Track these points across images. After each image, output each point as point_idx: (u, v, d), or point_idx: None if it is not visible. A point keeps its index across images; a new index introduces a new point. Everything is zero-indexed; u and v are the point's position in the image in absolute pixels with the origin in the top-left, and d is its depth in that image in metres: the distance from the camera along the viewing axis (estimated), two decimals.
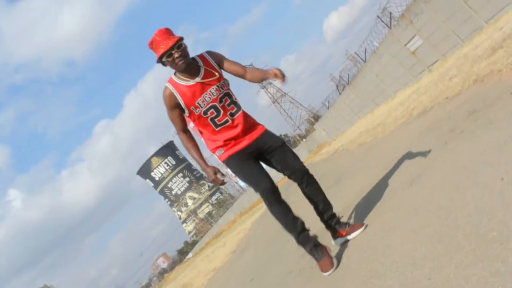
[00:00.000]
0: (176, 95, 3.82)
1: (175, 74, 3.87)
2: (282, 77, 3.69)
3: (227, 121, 3.90)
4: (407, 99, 12.36)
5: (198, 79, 3.83)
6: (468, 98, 5.43)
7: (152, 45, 3.75)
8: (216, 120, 3.87)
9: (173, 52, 3.70)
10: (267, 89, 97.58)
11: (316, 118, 67.98)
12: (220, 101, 3.87)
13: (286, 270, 5.02)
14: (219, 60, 3.96)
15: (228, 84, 3.96)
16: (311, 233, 3.86)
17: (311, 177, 4.00)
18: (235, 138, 3.93)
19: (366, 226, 3.93)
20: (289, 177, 4.02)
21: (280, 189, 3.94)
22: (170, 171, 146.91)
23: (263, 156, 4.01)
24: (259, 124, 4.07)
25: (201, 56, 3.94)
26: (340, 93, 31.46)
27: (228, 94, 3.91)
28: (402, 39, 17.77)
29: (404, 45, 17.89)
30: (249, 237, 15.92)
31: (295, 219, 3.87)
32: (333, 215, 4.03)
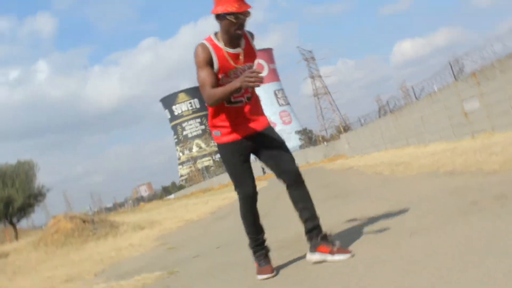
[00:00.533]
0: (212, 54, 3.67)
1: (215, 34, 3.74)
2: (258, 78, 3.45)
3: (241, 101, 3.81)
4: (439, 153, 12.10)
5: (239, 50, 3.74)
6: (502, 181, 5.22)
7: None
8: (233, 96, 3.74)
9: (241, 16, 3.55)
10: (314, 80, 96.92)
11: (346, 129, 67.54)
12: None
13: (251, 265, 4.89)
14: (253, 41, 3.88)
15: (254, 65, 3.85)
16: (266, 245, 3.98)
17: (302, 181, 3.85)
18: (237, 123, 3.83)
19: (353, 255, 3.63)
20: (279, 177, 3.90)
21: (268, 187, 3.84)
22: (190, 112, 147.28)
23: (257, 150, 3.92)
24: (263, 117, 3.94)
25: (245, 33, 3.78)
26: (379, 117, 31.09)
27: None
28: (461, 95, 17.38)
29: (461, 101, 17.51)
30: (233, 207, 15.83)
31: (260, 230, 4.00)
32: (318, 226, 3.82)
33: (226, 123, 3.84)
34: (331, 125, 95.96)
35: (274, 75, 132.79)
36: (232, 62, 3.70)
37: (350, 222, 5.21)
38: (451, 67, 19.53)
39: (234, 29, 3.59)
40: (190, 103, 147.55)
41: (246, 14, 3.56)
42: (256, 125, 3.86)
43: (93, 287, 5.58)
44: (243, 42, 3.77)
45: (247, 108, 3.83)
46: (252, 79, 3.37)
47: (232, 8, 3.49)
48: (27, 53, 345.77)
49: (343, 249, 3.70)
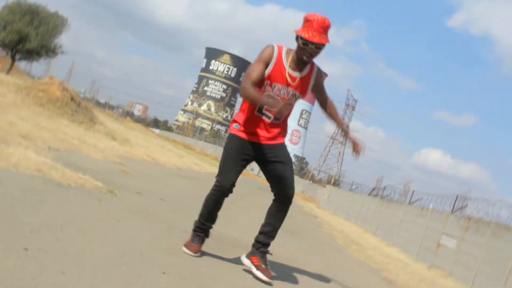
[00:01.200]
0: (273, 58, 3.85)
1: (288, 49, 3.92)
2: (358, 151, 4.06)
3: (269, 117, 3.95)
4: (393, 259, 12.22)
5: (297, 75, 3.89)
6: None
7: (308, 23, 3.76)
8: (264, 107, 3.90)
9: (313, 47, 3.75)
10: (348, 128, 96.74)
11: (336, 183, 67.62)
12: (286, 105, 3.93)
13: (184, 227, 4.99)
14: (318, 82, 4.06)
15: (298, 98, 4.00)
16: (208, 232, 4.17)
17: (289, 207, 4.07)
18: (255, 131, 3.98)
19: (269, 283, 3.86)
20: (273, 191, 4.09)
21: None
22: (223, 75, 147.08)
23: (263, 161, 4.06)
24: (281, 138, 4.09)
25: (313, 64, 3.99)
26: (369, 194, 31.20)
27: (291, 106, 4.01)
28: (446, 228, 17.46)
29: (442, 233, 17.60)
30: (200, 177, 15.93)
31: (212, 219, 4.21)
32: (268, 244, 4.06)
33: (248, 126, 3.98)
34: (327, 171, 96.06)
35: (312, 97, 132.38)
36: (288, 79, 3.87)
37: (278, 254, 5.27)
38: (456, 200, 19.63)
39: (302, 54, 3.79)
40: (228, 68, 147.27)
41: (316, 45, 3.74)
42: (269, 141, 4.00)
43: (40, 156, 5.66)
44: (306, 71, 3.92)
45: (271, 126, 3.98)
46: (275, 109, 3.72)
47: (307, 35, 3.70)
48: None
49: (267, 272, 3.90)
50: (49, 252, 2.67)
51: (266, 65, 3.83)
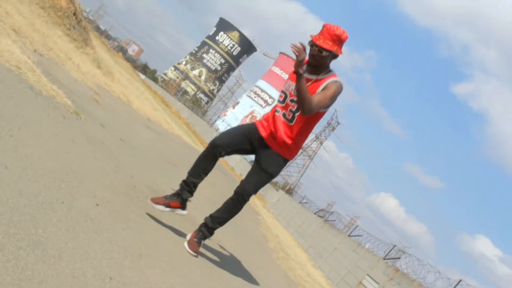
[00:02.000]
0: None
1: None
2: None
3: (278, 112, 4.24)
4: (313, 282, 12.45)
5: (312, 77, 4.09)
6: None
7: (322, 29, 4.01)
8: (278, 103, 4.27)
9: (312, 47, 3.99)
10: (314, 140, 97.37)
11: (289, 191, 68.04)
12: (291, 101, 4.15)
13: (130, 174, 5.08)
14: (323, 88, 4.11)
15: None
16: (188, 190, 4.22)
17: (242, 202, 4.24)
18: (267, 125, 4.28)
19: (191, 254, 4.05)
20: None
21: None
22: (225, 50, 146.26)
23: (256, 155, 4.31)
24: (285, 146, 4.24)
25: (331, 76, 4.11)
26: (315, 213, 31.50)
27: (298, 107, 4.10)
28: (373, 271, 17.86)
29: (367, 274, 17.98)
30: (166, 134, 15.94)
31: (194, 175, 4.25)
32: (210, 227, 4.25)
33: (265, 122, 4.33)
34: (285, 176, 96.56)
35: None
36: (292, 78, 4.13)
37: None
38: (391, 249, 20.04)
39: (309, 56, 4.03)
40: (233, 44, 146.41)
41: (317, 47, 3.96)
42: (271, 142, 4.23)
43: (24, 55, 5.67)
44: (321, 76, 4.10)
45: (279, 122, 4.20)
46: (295, 49, 3.69)
47: (313, 35, 3.99)
48: None
49: (194, 245, 4.13)
50: (2, 147, 2.74)
51: None
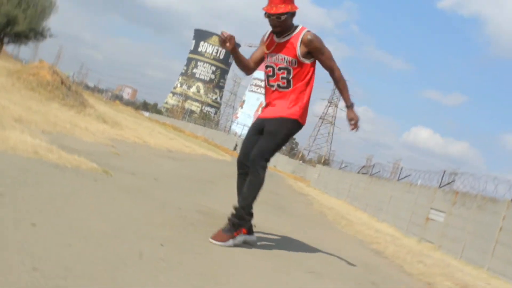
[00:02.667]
0: (266, 35, 4.42)
1: None
2: (354, 126, 4.29)
3: (273, 86, 4.35)
4: (382, 234, 12.48)
5: (279, 40, 4.27)
6: (410, 285, 5.56)
7: None
8: (269, 79, 4.38)
9: (269, 18, 4.14)
10: (329, 106, 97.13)
11: (326, 162, 67.99)
12: (279, 69, 4.26)
13: (178, 205, 5.19)
14: (313, 49, 4.23)
15: (297, 64, 4.23)
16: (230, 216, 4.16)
17: (255, 169, 4.15)
18: (265, 105, 4.45)
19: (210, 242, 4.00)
20: None
21: None
22: (212, 57, 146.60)
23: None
24: (284, 109, 4.25)
25: (301, 30, 4.24)
26: (358, 172, 31.48)
27: (288, 71, 4.23)
28: (434, 203, 17.79)
29: (430, 207, 17.92)
30: (190, 158, 16.11)
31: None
32: (237, 213, 4.15)
33: (265, 102, 4.49)
34: (317, 150, 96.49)
35: None
36: (268, 47, 4.36)
37: (258, 228, 5.44)
38: (443, 175, 19.93)
39: (271, 25, 4.23)
40: (217, 49, 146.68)
41: (271, 15, 4.11)
42: (270, 113, 4.30)
43: (36, 140, 5.80)
44: (288, 37, 4.24)
45: (276, 95, 4.32)
46: (219, 39, 4.12)
47: (265, 8, 4.12)
48: None
49: (218, 234, 4.02)
50: (55, 227, 2.85)
51: (263, 43, 4.42)
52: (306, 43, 4.18)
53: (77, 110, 13.42)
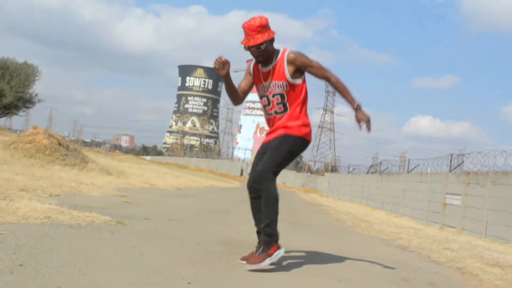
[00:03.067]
0: (252, 67, 4.46)
1: None
2: (365, 127, 4.26)
3: (271, 114, 4.38)
4: (403, 228, 12.42)
5: (266, 69, 4.32)
6: (441, 273, 5.53)
7: (243, 29, 4.18)
8: (266, 108, 4.42)
9: (250, 50, 4.20)
10: (325, 113, 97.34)
11: (333, 169, 67.91)
12: (273, 96, 4.30)
13: (197, 240, 5.19)
14: (301, 65, 4.27)
15: (288, 87, 4.26)
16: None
17: (262, 189, 4.14)
18: (269, 131, 4.46)
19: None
20: None
21: None
22: (201, 89, 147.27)
23: None
24: (284, 128, 4.27)
25: (283, 52, 4.29)
26: (367, 172, 31.42)
27: (282, 95, 4.28)
28: (448, 187, 17.74)
29: (445, 192, 17.86)
30: (200, 192, 16.12)
31: (260, 220, 4.23)
32: (263, 233, 4.17)
33: (267, 128, 4.52)
34: (322, 160, 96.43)
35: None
36: (257, 78, 4.41)
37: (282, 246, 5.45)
38: (451, 158, 19.91)
39: (253, 57, 4.31)
40: (204, 81, 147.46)
41: (251, 48, 4.17)
42: (272, 135, 4.33)
43: (45, 204, 5.81)
44: (274, 63, 4.29)
45: (276, 120, 4.35)
46: (216, 64, 4.12)
47: (243, 42, 4.19)
48: None
49: (248, 256, 4.14)
50: (81, 286, 2.84)
51: (250, 75, 4.48)
52: (291, 61, 4.22)
53: (80, 167, 13.46)
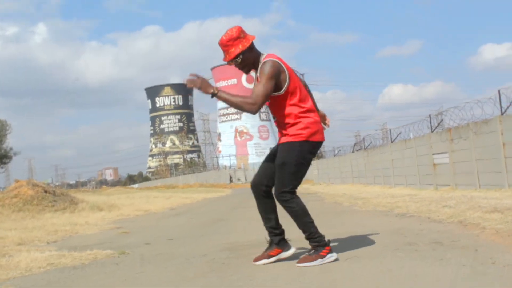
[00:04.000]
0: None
1: None
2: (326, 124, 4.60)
3: (274, 118, 4.44)
4: (399, 197, 12.55)
5: (255, 75, 4.31)
6: (443, 230, 5.62)
7: (220, 47, 4.18)
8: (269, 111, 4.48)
9: (232, 64, 4.21)
10: None
11: (319, 156, 68.03)
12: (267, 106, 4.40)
13: (201, 252, 5.21)
14: (260, 74, 4.15)
15: (269, 99, 4.23)
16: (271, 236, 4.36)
17: (281, 203, 4.26)
18: (278, 133, 4.45)
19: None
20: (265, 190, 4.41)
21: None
22: (172, 107, 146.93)
23: None
24: (284, 137, 4.31)
25: (262, 60, 4.20)
26: (353, 151, 31.59)
27: (270, 108, 4.37)
28: (434, 148, 17.91)
29: (432, 153, 18.04)
30: (193, 207, 16.12)
31: (267, 218, 4.38)
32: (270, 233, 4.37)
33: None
34: None
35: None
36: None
37: (294, 241, 5.49)
38: (430, 119, 20.10)
39: (238, 68, 4.29)
40: (174, 98, 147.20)
41: (230, 62, 4.20)
42: (282, 140, 4.33)
43: (45, 252, 5.79)
44: (259, 66, 4.22)
45: (276, 124, 4.42)
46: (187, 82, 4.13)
47: (223, 58, 4.24)
48: (30, 13, 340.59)
49: (260, 255, 4.32)
50: None
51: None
52: (260, 71, 4.13)
53: (70, 209, 13.39)
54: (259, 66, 4.15)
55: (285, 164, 4.17)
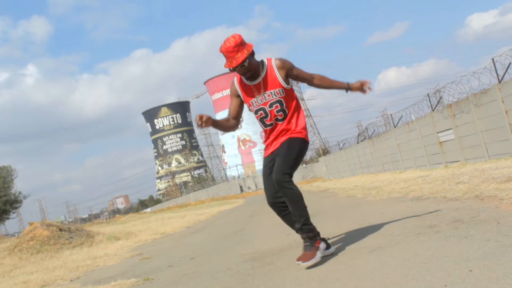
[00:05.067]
0: (237, 87, 4.49)
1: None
2: (367, 91, 4.60)
3: (271, 124, 4.44)
4: (411, 180, 12.51)
5: (256, 82, 4.37)
6: (461, 207, 5.60)
7: (222, 53, 4.23)
8: (264, 120, 4.46)
9: (235, 70, 4.27)
10: (304, 100, 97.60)
11: (325, 152, 68.07)
12: (270, 106, 4.37)
13: (225, 266, 5.20)
14: (288, 68, 4.38)
15: (284, 92, 4.36)
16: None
17: (283, 188, 4.22)
18: (270, 142, 4.52)
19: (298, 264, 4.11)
20: None
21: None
22: (172, 127, 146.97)
23: None
24: (290, 132, 4.41)
25: (269, 61, 4.38)
26: (357, 142, 31.56)
27: (280, 102, 4.36)
28: (437, 126, 17.89)
29: (436, 132, 18.01)
30: (209, 222, 16.10)
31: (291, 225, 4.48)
32: (299, 229, 4.32)
33: (266, 142, 4.59)
34: (311, 147, 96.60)
35: None
36: (248, 95, 4.46)
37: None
38: (429, 98, 20.08)
39: (241, 75, 4.39)
40: (172, 117, 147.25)
41: (235, 68, 4.22)
42: (279, 142, 4.42)
43: None
44: (265, 69, 4.36)
45: (278, 126, 4.44)
46: (198, 122, 4.19)
47: (227, 66, 4.24)
48: (18, 56, 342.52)
49: (301, 255, 4.19)
50: None
51: (238, 95, 4.52)
52: (281, 66, 4.34)
53: (88, 244, 13.38)
54: (270, 67, 4.34)
55: (288, 152, 4.31)
